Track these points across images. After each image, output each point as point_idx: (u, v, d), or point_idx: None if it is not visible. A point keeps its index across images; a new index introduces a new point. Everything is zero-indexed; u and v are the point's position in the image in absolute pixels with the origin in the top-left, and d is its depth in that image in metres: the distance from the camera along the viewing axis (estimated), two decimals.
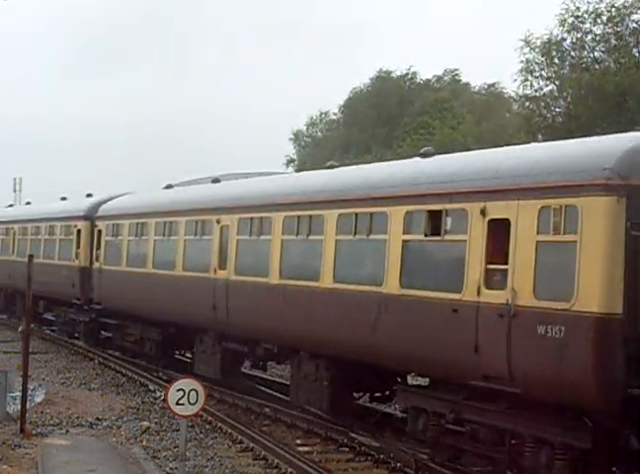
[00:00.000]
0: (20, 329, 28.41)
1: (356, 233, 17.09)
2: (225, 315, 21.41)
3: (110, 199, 31.56)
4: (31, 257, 19.05)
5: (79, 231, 32.09)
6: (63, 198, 39.00)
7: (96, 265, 30.19)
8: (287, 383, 21.68)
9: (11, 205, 53.30)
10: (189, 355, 27.14)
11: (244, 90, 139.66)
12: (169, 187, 29.31)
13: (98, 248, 30.23)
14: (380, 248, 16.24)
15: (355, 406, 19.57)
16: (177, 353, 27.74)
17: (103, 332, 31.67)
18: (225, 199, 22.69)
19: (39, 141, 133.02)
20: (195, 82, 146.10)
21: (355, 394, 19.41)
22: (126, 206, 29.30)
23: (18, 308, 39.69)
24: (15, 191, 77.59)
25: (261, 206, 20.51)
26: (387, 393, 18.81)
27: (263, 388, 23.75)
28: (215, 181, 26.15)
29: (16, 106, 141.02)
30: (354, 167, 21.42)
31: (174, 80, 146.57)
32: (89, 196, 35.02)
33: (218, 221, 22.07)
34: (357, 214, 17.11)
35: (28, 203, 45.03)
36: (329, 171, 20.38)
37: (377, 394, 19.19)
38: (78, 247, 31.93)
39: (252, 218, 20.75)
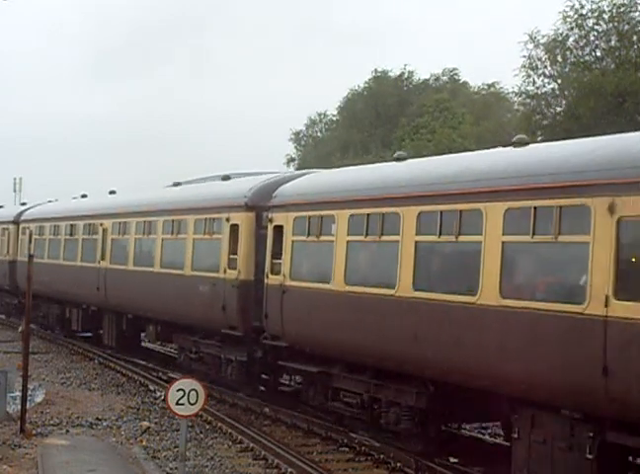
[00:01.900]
0: (20, 329, 28.48)
1: None
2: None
3: (288, 180, 20.91)
4: (31, 257, 19.05)
5: (235, 227, 21.44)
6: (177, 184, 28.23)
7: (273, 279, 19.47)
8: None
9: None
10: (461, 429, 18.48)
11: (244, 90, 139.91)
12: (400, 158, 18.08)
13: (275, 254, 19.63)
14: None
15: None
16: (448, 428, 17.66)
17: (265, 376, 21.71)
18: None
19: (40, 141, 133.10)
20: (195, 84, 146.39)
21: None
22: (340, 188, 18.15)
23: (107, 333, 30.06)
24: (15, 191, 77.74)
25: None
26: None
27: None
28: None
29: (17, 105, 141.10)
30: None
31: (177, 83, 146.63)
32: (226, 178, 24.70)
33: (612, 210, 11.65)
34: None
35: (85, 196, 34.54)
36: None
37: None
38: (233, 251, 21.36)
39: None
